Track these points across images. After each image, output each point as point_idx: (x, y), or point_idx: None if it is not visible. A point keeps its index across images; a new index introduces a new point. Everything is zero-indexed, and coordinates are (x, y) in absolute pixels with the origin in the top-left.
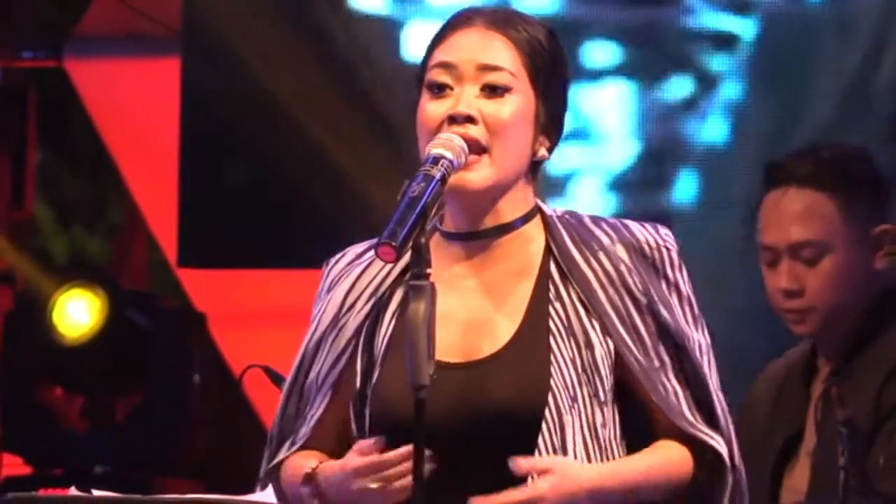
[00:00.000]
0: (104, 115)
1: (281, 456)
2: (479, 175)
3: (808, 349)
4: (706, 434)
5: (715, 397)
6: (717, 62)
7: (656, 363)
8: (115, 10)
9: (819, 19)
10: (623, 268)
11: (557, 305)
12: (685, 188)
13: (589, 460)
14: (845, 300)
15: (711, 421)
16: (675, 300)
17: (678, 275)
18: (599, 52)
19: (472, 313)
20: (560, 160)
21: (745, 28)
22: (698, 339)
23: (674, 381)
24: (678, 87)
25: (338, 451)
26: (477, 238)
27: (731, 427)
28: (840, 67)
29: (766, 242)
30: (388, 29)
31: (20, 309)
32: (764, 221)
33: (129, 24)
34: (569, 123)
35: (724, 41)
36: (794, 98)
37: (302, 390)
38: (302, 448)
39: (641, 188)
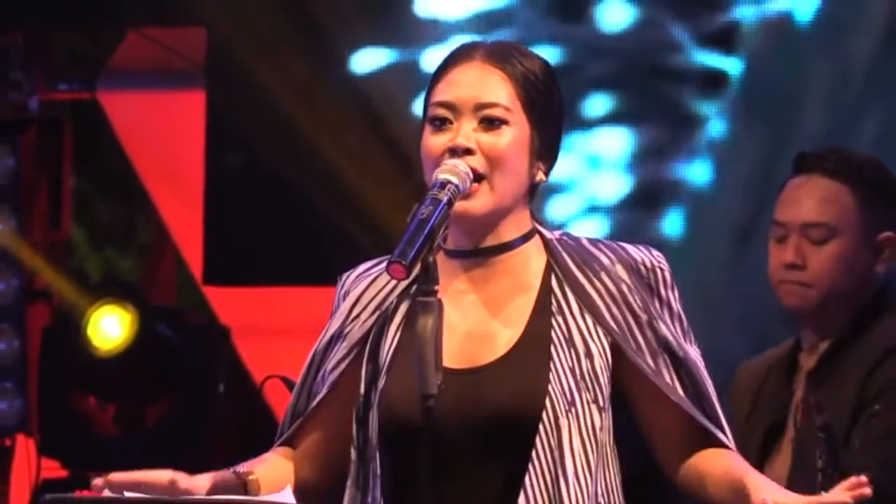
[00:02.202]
0: (135, 143)
1: (276, 445)
2: (480, 202)
3: (791, 345)
4: (727, 437)
5: (717, 404)
6: (706, 99)
7: (664, 373)
8: (144, 46)
9: (807, 53)
10: (624, 287)
11: (560, 318)
12: (673, 218)
13: (587, 462)
14: (841, 285)
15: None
16: (666, 316)
17: (670, 294)
18: (594, 95)
19: (472, 324)
20: (557, 193)
21: (732, 65)
22: (692, 351)
23: (679, 390)
24: (667, 125)
25: (326, 447)
26: (478, 256)
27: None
28: (829, 101)
29: (779, 219)
30: (403, 61)
31: (57, 323)
32: (782, 200)
33: (158, 59)
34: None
35: (712, 79)
36: (782, 130)
37: (310, 391)
38: (291, 437)
39: (634, 219)
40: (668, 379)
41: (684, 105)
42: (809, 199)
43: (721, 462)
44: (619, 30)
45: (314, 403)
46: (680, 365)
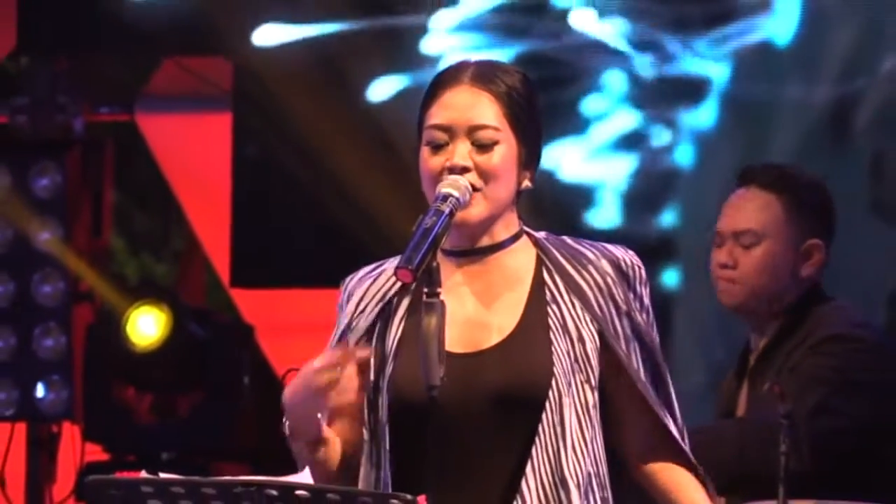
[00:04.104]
0: (168, 160)
1: None
2: (477, 210)
3: (744, 346)
4: (685, 445)
5: (671, 389)
6: (694, 103)
7: (633, 360)
8: (177, 73)
9: (786, 66)
10: (609, 280)
11: (554, 307)
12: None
13: (583, 435)
14: (765, 285)
15: (672, 415)
16: (639, 309)
17: (643, 289)
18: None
19: (470, 313)
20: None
21: (718, 72)
22: (656, 339)
23: (644, 377)
24: (661, 125)
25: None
26: (473, 254)
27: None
28: (803, 110)
29: (717, 228)
30: (414, 88)
31: (99, 322)
32: (723, 210)
33: (189, 85)
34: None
35: (700, 86)
36: (760, 137)
37: None
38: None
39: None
40: (636, 365)
41: (675, 106)
42: (742, 210)
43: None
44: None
45: None
46: (648, 353)
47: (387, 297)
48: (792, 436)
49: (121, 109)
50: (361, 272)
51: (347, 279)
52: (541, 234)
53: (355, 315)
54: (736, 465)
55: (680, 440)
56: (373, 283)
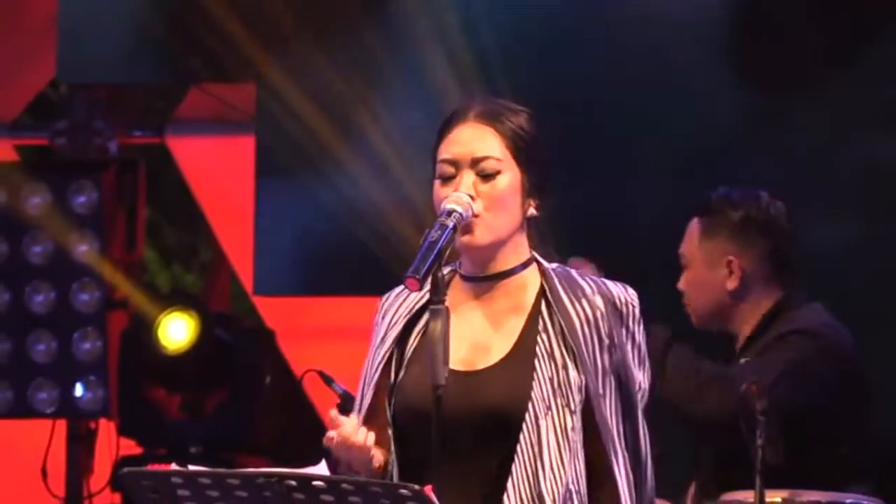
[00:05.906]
0: (196, 179)
1: None
2: (479, 235)
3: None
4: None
5: (641, 430)
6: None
7: (601, 391)
8: (204, 99)
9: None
10: (598, 313)
11: (544, 336)
12: None
13: (560, 456)
14: (703, 304)
15: (635, 455)
16: (629, 345)
17: (636, 327)
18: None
19: (475, 335)
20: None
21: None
22: (640, 379)
23: (609, 410)
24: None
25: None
26: (485, 280)
27: (650, 463)
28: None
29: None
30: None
31: (133, 328)
32: None
33: (215, 110)
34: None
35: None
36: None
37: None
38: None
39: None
40: (607, 399)
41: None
42: (686, 235)
43: None
44: None
45: (368, 398)
46: (625, 389)
47: (413, 311)
48: (769, 431)
49: (152, 133)
50: (396, 290)
51: (385, 297)
52: (551, 265)
53: (388, 330)
54: (696, 402)
55: (623, 486)
56: (404, 300)
